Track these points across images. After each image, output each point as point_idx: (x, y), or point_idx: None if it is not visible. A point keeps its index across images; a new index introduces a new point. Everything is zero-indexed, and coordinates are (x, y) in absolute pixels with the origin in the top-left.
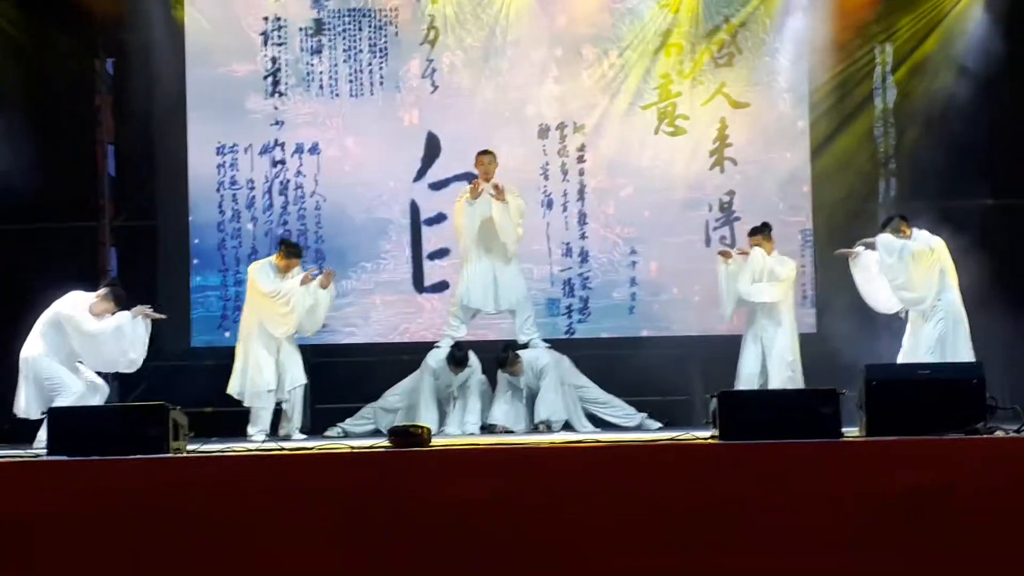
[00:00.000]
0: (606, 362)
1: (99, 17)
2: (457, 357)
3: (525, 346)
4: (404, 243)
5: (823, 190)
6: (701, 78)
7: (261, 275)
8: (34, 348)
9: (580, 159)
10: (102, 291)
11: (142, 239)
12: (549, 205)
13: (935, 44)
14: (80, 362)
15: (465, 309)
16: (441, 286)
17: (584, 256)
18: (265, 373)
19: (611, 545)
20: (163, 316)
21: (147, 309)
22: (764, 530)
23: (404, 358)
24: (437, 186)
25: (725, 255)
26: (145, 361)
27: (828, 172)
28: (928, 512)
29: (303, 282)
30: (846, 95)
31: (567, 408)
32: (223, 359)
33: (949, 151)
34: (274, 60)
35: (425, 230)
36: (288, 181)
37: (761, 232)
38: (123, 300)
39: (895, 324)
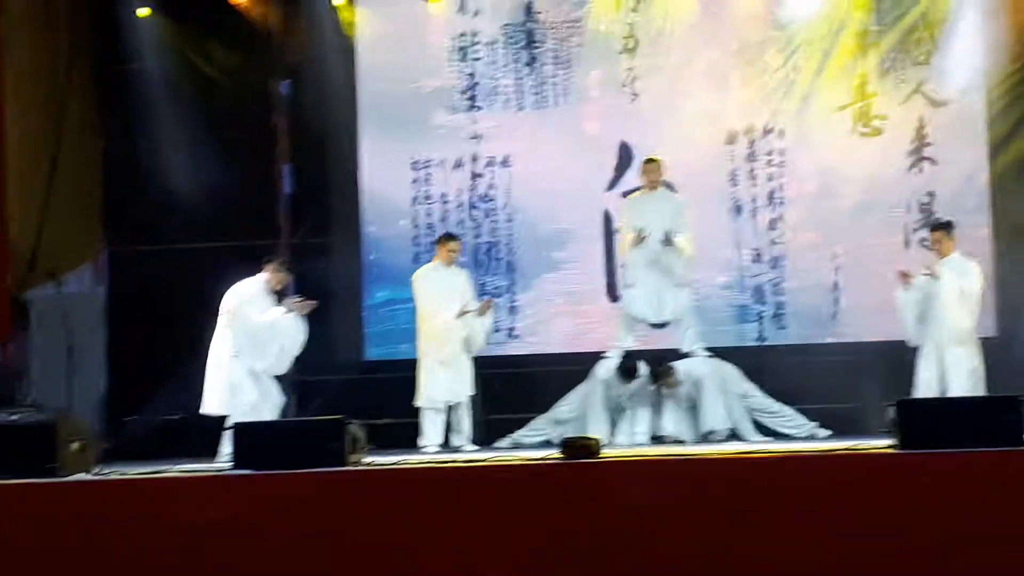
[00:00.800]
0: (793, 369)
1: (275, 39)
2: (626, 368)
3: (687, 356)
4: (593, 253)
5: (1005, 188)
6: (901, 76)
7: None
8: (215, 344)
9: (769, 163)
10: (271, 265)
11: (318, 255)
12: (738, 211)
13: None
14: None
15: (629, 319)
16: None
17: (775, 262)
18: (436, 385)
19: (787, 553)
20: (314, 303)
21: (297, 299)
22: (946, 540)
23: (575, 368)
24: (629, 194)
25: (905, 278)
26: (320, 375)
27: (1009, 170)
28: None
29: (480, 311)
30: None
31: (731, 417)
32: (396, 371)
33: None
34: (470, 75)
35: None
36: (481, 194)
37: (943, 229)
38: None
39: None
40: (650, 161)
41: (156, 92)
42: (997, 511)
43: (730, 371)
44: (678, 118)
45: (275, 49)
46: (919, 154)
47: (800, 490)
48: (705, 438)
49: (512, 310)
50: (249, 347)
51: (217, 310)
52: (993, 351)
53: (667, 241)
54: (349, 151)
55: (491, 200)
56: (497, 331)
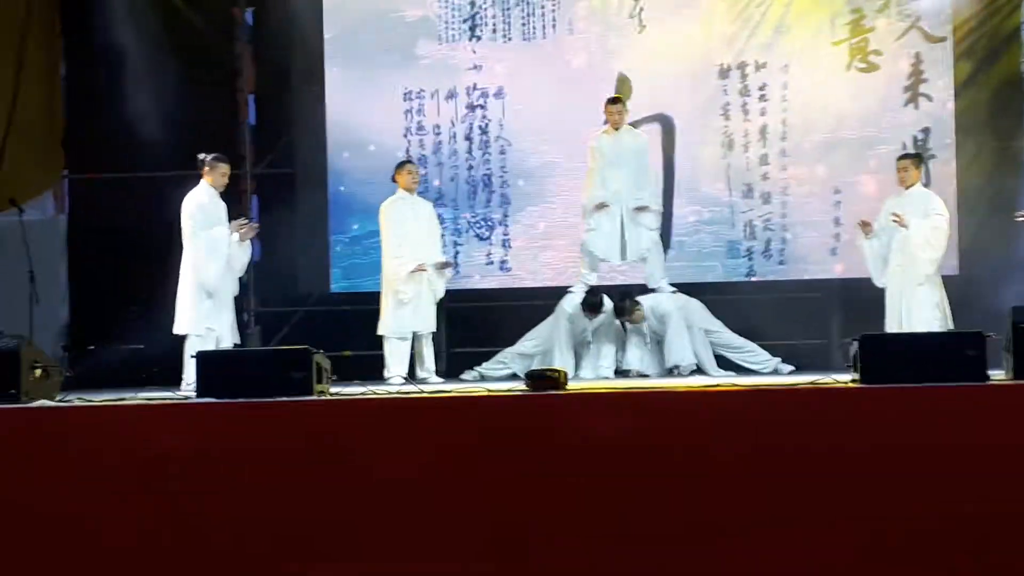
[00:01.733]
0: (775, 305)
1: None
2: (591, 303)
3: (653, 292)
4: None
5: (967, 131)
6: (898, 11)
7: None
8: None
9: (762, 98)
10: (205, 166)
11: (283, 186)
12: (730, 146)
13: None
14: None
15: (592, 256)
16: None
17: (766, 197)
18: (400, 316)
19: (748, 489)
20: (256, 226)
21: (243, 222)
22: (907, 476)
23: (538, 303)
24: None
25: (866, 227)
26: (285, 306)
27: (972, 113)
28: None
29: (438, 268)
30: (992, 32)
31: (696, 352)
32: (362, 304)
33: None
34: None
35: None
36: (473, 126)
37: (910, 158)
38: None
39: None
40: (614, 101)
41: (118, 20)
42: (959, 446)
43: (696, 307)
44: (667, 52)
45: None
46: (915, 90)
47: (762, 424)
48: (670, 373)
49: (504, 244)
50: (193, 262)
51: (181, 242)
52: (956, 288)
53: (637, 210)
54: (315, 80)
55: (485, 133)
56: (490, 263)
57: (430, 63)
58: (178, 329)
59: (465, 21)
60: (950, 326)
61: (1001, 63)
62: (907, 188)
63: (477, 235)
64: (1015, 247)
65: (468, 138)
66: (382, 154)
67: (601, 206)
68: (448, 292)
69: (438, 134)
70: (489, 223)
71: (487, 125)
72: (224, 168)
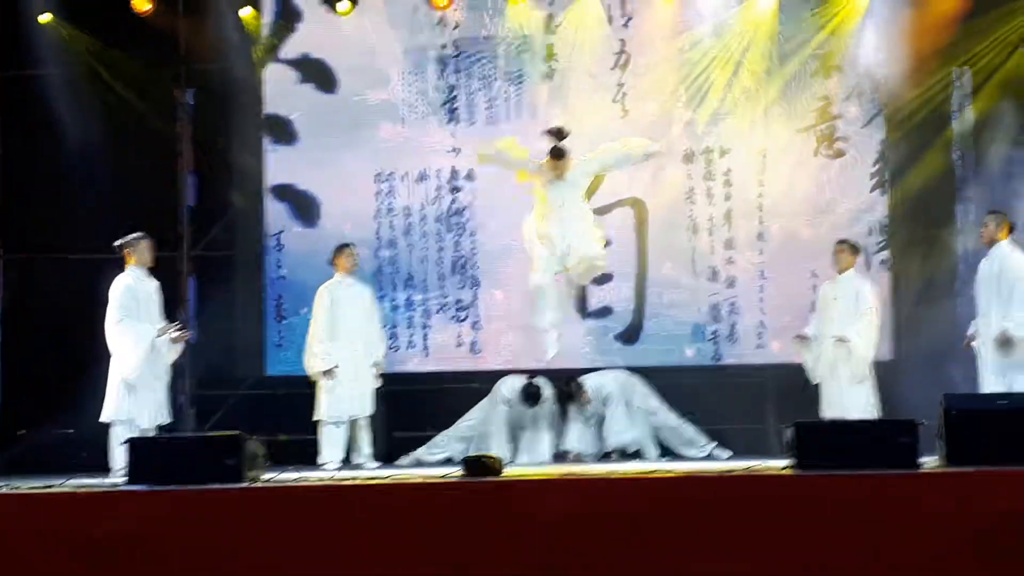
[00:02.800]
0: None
1: (180, 48)
2: (531, 393)
3: (593, 371)
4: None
5: (900, 216)
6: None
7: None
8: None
9: (727, 183)
10: (126, 249)
11: (221, 268)
12: (695, 230)
13: (1015, 68)
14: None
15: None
16: (604, 312)
17: (731, 282)
18: (336, 400)
19: (684, 574)
20: (187, 335)
21: (175, 327)
22: (841, 562)
23: (476, 386)
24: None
25: (803, 340)
26: (219, 389)
27: (906, 198)
28: (1009, 544)
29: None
30: (923, 119)
31: (637, 435)
32: (298, 388)
33: None
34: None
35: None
36: (447, 208)
37: (847, 244)
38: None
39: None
40: (558, 156)
41: (57, 99)
42: (890, 533)
43: (639, 387)
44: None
45: (180, 57)
46: (881, 176)
47: (696, 510)
48: (608, 456)
49: (475, 325)
50: (117, 351)
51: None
52: (889, 374)
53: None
54: (256, 162)
55: (457, 214)
56: (459, 345)
57: (382, 145)
58: (103, 416)
59: (429, 106)
60: (878, 412)
61: (934, 151)
62: (840, 272)
63: (455, 317)
64: (948, 334)
65: (426, 219)
66: (324, 236)
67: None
68: (387, 376)
69: (392, 214)
70: (460, 304)
71: (453, 207)
72: (144, 244)
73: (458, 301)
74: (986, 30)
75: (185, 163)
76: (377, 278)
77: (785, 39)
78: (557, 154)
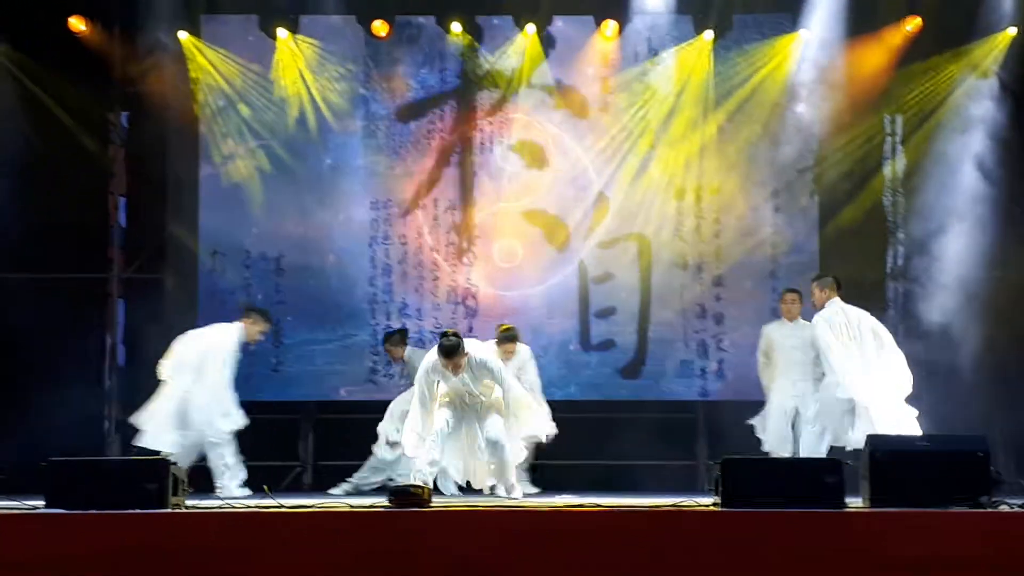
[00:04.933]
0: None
1: (115, 70)
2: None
3: None
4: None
5: (831, 258)
6: None
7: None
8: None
9: (716, 220)
10: (249, 317)
11: (151, 291)
12: (684, 267)
13: (944, 115)
14: None
15: None
16: (607, 344)
17: (719, 318)
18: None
19: None
20: None
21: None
22: None
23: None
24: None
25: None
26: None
27: (836, 241)
28: None
29: None
30: (855, 164)
31: None
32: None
33: (957, 222)
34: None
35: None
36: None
37: (798, 293)
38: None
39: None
40: (451, 353)
41: None
42: (813, 572)
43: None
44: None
45: (115, 79)
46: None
47: (621, 544)
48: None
49: None
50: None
51: (44, 344)
52: None
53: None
54: (189, 185)
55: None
56: None
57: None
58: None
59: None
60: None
61: (864, 195)
62: (791, 320)
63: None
64: None
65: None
66: (257, 261)
67: None
68: (319, 403)
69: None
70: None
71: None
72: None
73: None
74: (918, 78)
75: (117, 185)
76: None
77: (720, 81)
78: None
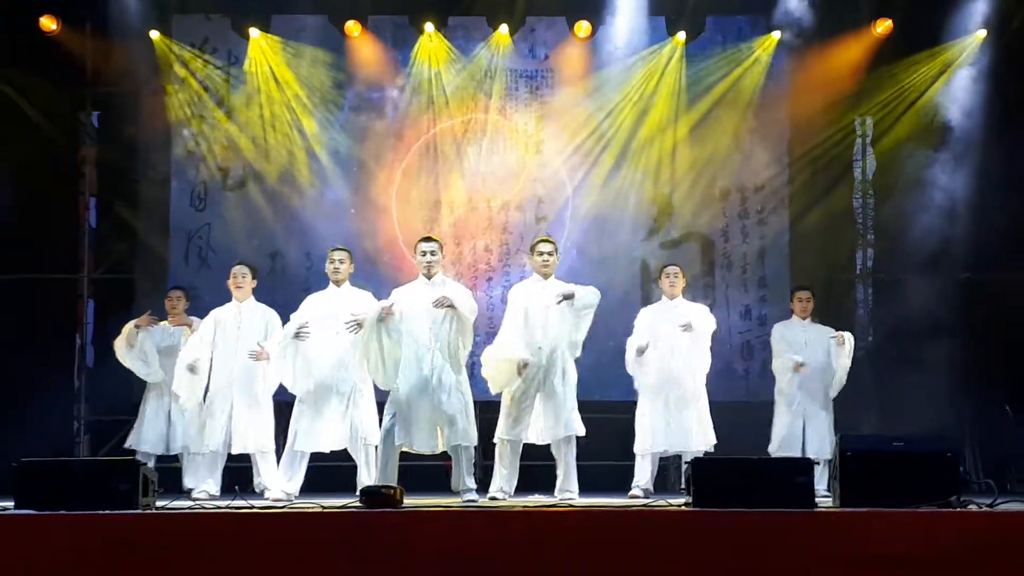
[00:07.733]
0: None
1: (88, 69)
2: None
3: None
4: None
5: (800, 260)
6: None
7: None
8: None
9: (761, 222)
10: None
11: (121, 291)
12: (728, 267)
13: (915, 117)
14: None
15: None
16: None
17: (763, 319)
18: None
19: None
20: (155, 319)
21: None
22: None
23: None
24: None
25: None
26: (116, 416)
27: (806, 242)
28: None
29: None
30: (826, 166)
31: None
32: None
33: (928, 223)
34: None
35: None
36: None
37: (680, 268)
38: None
39: (877, 397)
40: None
41: None
42: (783, 572)
43: None
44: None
45: (87, 80)
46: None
47: (592, 544)
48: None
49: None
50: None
51: (13, 345)
52: None
53: None
54: (160, 185)
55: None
56: None
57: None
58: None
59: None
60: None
61: (834, 196)
62: (672, 299)
63: None
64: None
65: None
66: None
67: None
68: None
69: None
70: None
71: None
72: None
73: None
74: (889, 80)
75: (88, 185)
76: None
77: (692, 83)
78: None
